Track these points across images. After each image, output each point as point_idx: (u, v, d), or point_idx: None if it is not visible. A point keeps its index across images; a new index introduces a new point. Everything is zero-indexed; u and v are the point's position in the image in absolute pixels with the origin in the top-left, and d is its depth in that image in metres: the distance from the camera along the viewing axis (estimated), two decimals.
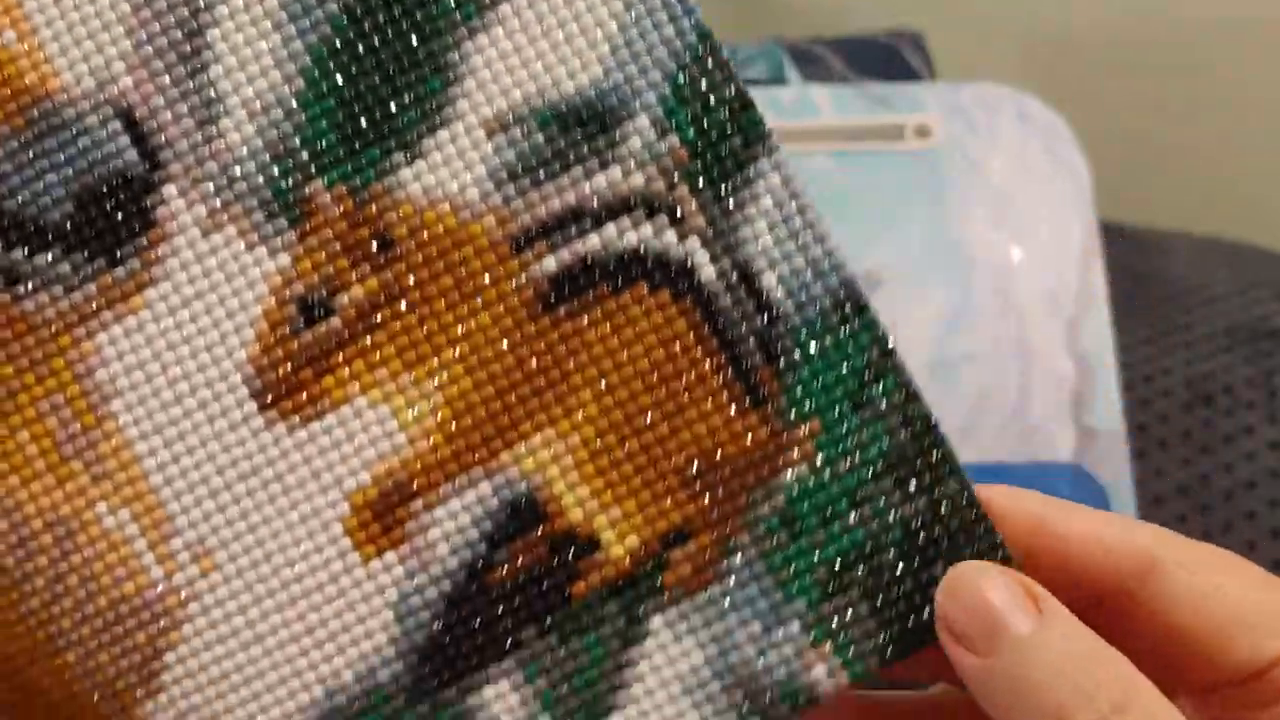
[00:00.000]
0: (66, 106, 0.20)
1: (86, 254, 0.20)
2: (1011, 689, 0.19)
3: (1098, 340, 0.43)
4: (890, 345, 0.20)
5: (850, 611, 0.20)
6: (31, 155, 0.20)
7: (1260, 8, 0.68)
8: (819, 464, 0.20)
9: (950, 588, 0.20)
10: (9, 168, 0.20)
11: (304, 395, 0.20)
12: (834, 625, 0.20)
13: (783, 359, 0.20)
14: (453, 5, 0.20)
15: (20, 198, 0.20)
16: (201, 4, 0.20)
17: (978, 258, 0.44)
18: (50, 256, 0.20)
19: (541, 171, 0.20)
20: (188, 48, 0.20)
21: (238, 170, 0.20)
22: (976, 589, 0.19)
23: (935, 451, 0.20)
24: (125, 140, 0.20)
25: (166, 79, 0.20)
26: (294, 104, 0.20)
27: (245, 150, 0.20)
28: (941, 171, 0.45)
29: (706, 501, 0.20)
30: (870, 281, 0.44)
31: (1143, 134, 0.68)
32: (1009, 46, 0.69)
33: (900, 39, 0.58)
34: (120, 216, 0.20)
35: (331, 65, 0.20)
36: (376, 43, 0.20)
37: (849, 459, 0.20)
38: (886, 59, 0.56)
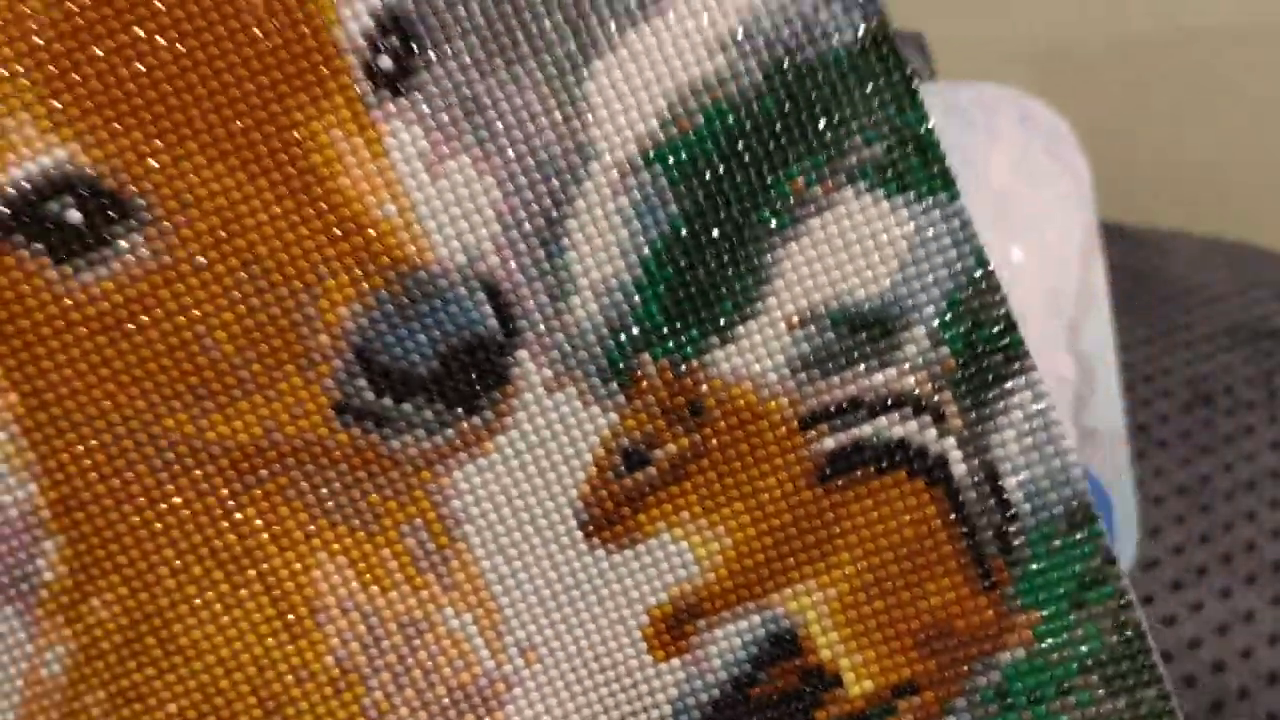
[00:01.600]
0: (439, 277, 0.23)
1: (447, 404, 0.23)
2: None
3: (1098, 340, 0.43)
4: (1113, 557, 0.24)
5: None
6: (405, 317, 0.23)
7: (1260, 9, 0.68)
8: (1035, 650, 0.24)
9: None
10: (384, 327, 0.23)
11: (621, 528, 0.24)
12: None
13: (1015, 553, 0.24)
14: (769, 215, 0.24)
15: (392, 353, 0.23)
16: (564, 197, 0.23)
17: None
18: (415, 404, 0.23)
19: (830, 364, 0.24)
20: (549, 234, 0.23)
21: (581, 341, 0.24)
22: None
23: (1141, 657, 0.24)
24: (488, 310, 0.23)
25: (528, 260, 0.23)
26: (633, 289, 0.24)
27: (589, 324, 0.24)
28: None
29: (934, 664, 0.25)
30: None
31: (1143, 134, 0.68)
32: (1009, 47, 0.69)
33: (900, 39, 0.58)
34: (478, 374, 0.23)
35: (666, 258, 0.24)
36: (704, 242, 0.24)
37: (1062, 651, 0.24)
38: None
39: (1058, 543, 0.24)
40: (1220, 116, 0.70)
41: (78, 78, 0.21)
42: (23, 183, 0.21)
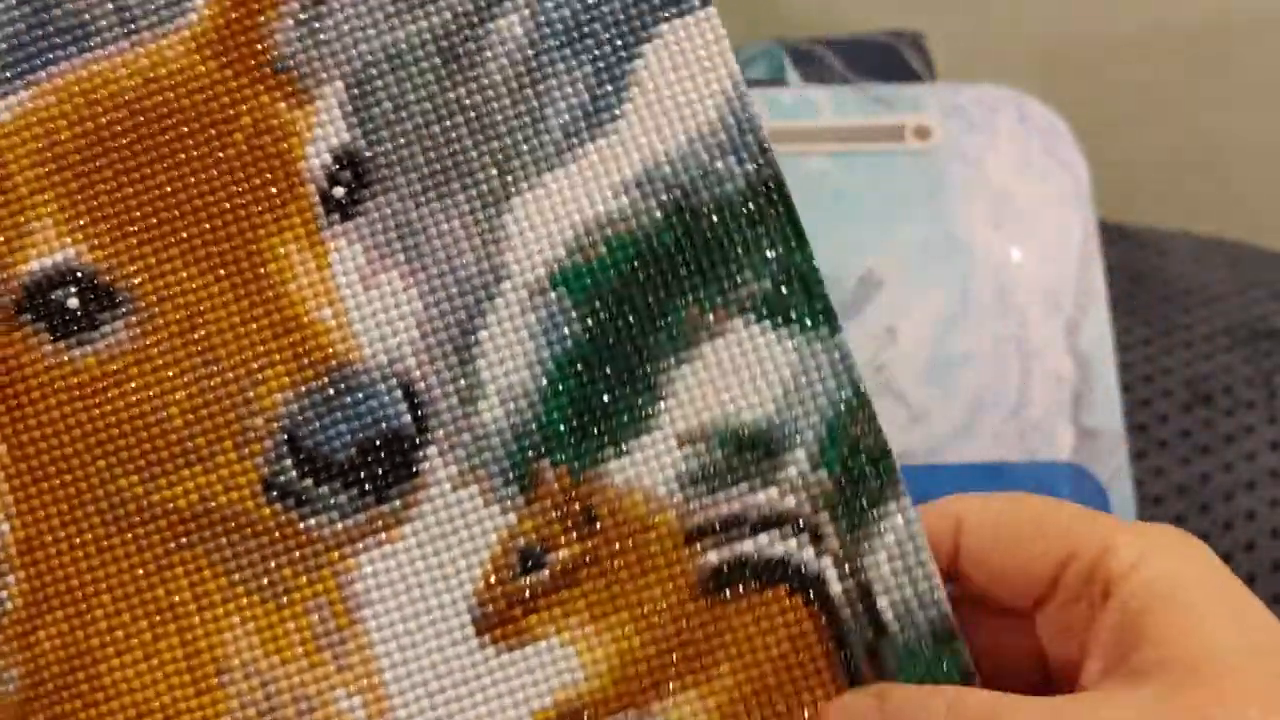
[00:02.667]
0: (362, 374, 0.26)
1: (360, 490, 0.26)
2: None
3: (1097, 340, 0.43)
4: (971, 671, 0.24)
5: None
6: (330, 406, 0.26)
7: (1260, 9, 0.66)
8: None
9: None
10: (312, 414, 0.26)
11: (512, 627, 0.25)
12: None
13: (884, 667, 0.25)
14: (665, 338, 0.26)
15: (316, 439, 0.26)
16: (478, 310, 0.26)
17: (977, 258, 0.44)
18: (332, 487, 0.26)
19: (716, 481, 0.25)
20: (462, 342, 0.26)
21: (486, 442, 0.26)
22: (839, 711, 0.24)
23: None
24: (404, 407, 0.26)
25: (443, 364, 0.26)
26: (537, 397, 0.26)
27: (494, 428, 0.26)
28: (941, 172, 0.45)
29: None
30: (870, 281, 0.44)
31: (1143, 134, 0.67)
32: (1009, 47, 0.68)
33: (900, 39, 0.57)
34: (390, 465, 0.26)
35: (569, 371, 0.26)
36: (604, 358, 0.26)
37: None
38: (886, 59, 0.55)
39: (923, 659, 0.25)
40: (1220, 116, 0.67)
41: (91, 194, 0.26)
42: (38, 274, 0.26)
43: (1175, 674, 0.21)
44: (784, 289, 0.25)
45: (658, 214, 0.26)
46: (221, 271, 0.26)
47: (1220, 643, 0.21)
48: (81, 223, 0.26)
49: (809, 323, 0.25)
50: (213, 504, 0.26)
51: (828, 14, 0.64)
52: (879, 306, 0.44)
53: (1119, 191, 0.51)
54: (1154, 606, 0.22)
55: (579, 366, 0.26)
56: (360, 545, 0.26)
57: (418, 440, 0.26)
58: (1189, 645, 0.21)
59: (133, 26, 0.26)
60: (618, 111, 0.26)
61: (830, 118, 0.47)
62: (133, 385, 0.26)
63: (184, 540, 0.26)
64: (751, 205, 0.26)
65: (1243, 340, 0.45)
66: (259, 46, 0.26)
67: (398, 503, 0.26)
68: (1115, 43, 0.69)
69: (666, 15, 0.26)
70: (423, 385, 0.26)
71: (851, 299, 0.44)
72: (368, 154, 0.26)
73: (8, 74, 0.26)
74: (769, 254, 0.25)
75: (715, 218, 0.26)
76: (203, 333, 0.26)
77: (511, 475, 0.26)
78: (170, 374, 0.26)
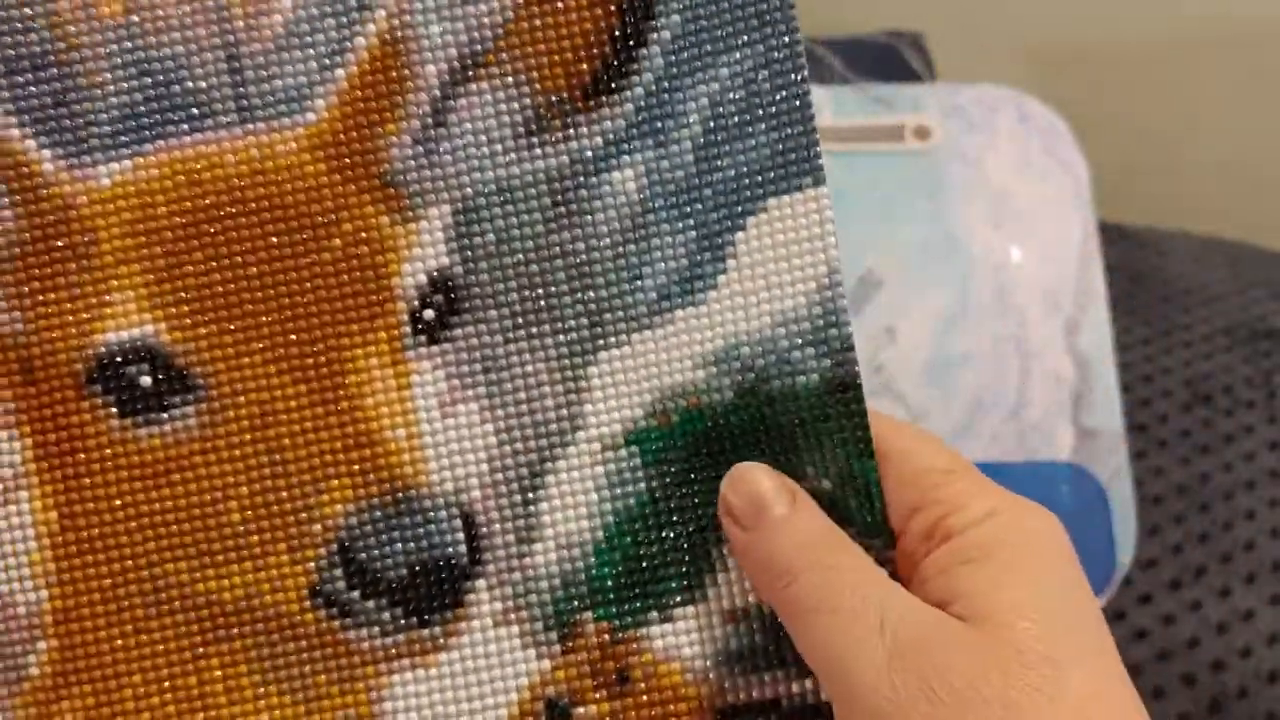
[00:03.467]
0: (425, 498, 0.26)
1: (405, 610, 0.26)
2: (764, 555, 0.24)
3: (1097, 340, 0.43)
4: None
5: None
6: (389, 525, 0.26)
7: (1259, 8, 0.67)
8: None
9: (732, 478, 0.25)
10: (369, 529, 0.26)
11: None
12: None
13: None
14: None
15: (370, 554, 0.26)
16: (549, 455, 0.26)
17: (977, 258, 0.44)
18: (379, 604, 0.26)
19: (754, 663, 0.26)
20: (529, 484, 0.26)
21: (535, 585, 0.26)
22: (751, 480, 0.25)
23: None
24: (461, 537, 0.26)
25: (506, 501, 0.26)
26: (591, 549, 0.26)
27: (545, 571, 0.26)
28: (941, 172, 0.45)
29: None
30: (870, 281, 0.44)
31: (1143, 134, 0.67)
32: (1009, 47, 0.68)
33: (900, 40, 0.57)
34: (438, 590, 0.26)
35: (627, 528, 0.26)
36: (663, 522, 0.26)
37: None
38: (886, 60, 0.56)
39: None
40: (1220, 116, 0.67)
41: (179, 274, 0.26)
42: (113, 345, 0.26)
43: (974, 613, 0.23)
44: (841, 493, 0.26)
45: (730, 394, 0.26)
46: (300, 375, 0.26)
47: (1016, 600, 0.23)
48: (165, 301, 0.26)
49: (860, 530, 0.26)
50: (257, 601, 0.26)
51: (828, 14, 0.63)
52: (879, 306, 0.44)
53: (1119, 191, 0.50)
54: (974, 560, 0.23)
55: (637, 525, 0.26)
56: (396, 664, 0.26)
57: (469, 571, 0.26)
58: (989, 597, 0.23)
59: (249, 115, 0.26)
60: (711, 282, 0.26)
61: (830, 118, 0.47)
62: (195, 474, 0.26)
63: (222, 632, 0.26)
64: (823, 403, 0.26)
65: (1243, 340, 0.45)
66: (372, 158, 0.26)
67: (439, 629, 0.26)
68: (1115, 43, 0.68)
69: (776, 190, 0.26)
70: (483, 519, 0.26)
71: (851, 299, 0.43)
72: (463, 282, 0.26)
73: (114, 142, 0.26)
74: (830, 455, 0.26)
75: (784, 408, 0.26)
76: (274, 432, 0.26)
77: (553, 622, 0.26)
78: (235, 468, 0.26)
